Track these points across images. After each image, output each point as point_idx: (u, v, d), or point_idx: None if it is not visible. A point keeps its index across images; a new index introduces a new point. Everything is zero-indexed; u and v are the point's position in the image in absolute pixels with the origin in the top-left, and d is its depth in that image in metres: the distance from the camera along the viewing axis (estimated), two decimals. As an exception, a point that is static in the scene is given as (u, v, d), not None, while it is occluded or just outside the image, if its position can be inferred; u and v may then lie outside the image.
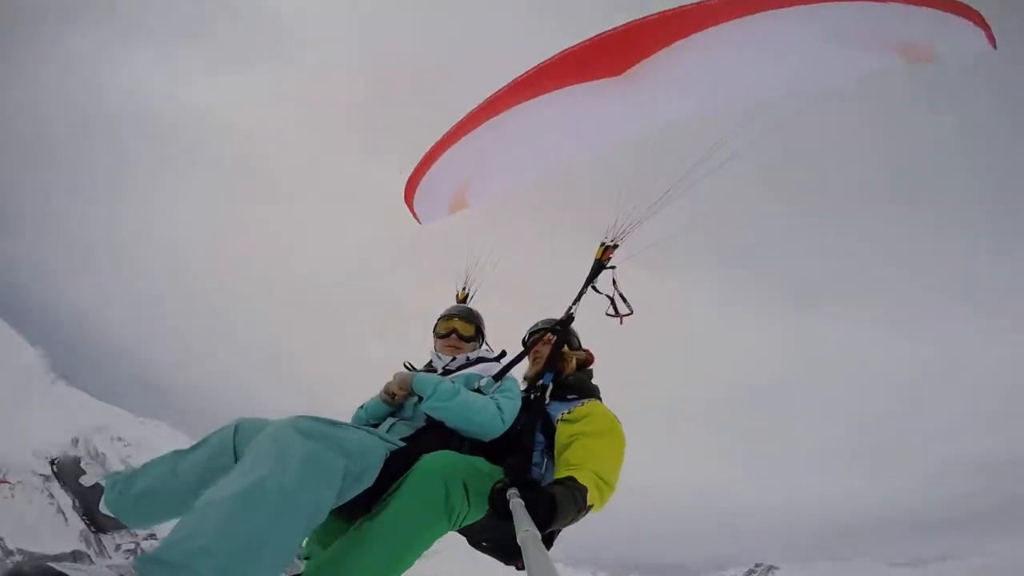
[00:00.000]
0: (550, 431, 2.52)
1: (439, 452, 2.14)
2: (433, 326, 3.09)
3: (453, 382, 2.50)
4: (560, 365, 2.87)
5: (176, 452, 2.16)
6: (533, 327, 3.16)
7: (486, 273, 3.56)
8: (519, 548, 1.37)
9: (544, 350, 2.95)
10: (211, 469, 2.01)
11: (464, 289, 3.63)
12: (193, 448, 2.14)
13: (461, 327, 2.96)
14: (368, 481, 1.94)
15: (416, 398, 2.50)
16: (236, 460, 2.00)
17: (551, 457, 2.46)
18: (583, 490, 2.01)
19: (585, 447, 2.30)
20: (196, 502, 1.58)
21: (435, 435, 2.37)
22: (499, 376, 2.70)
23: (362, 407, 2.76)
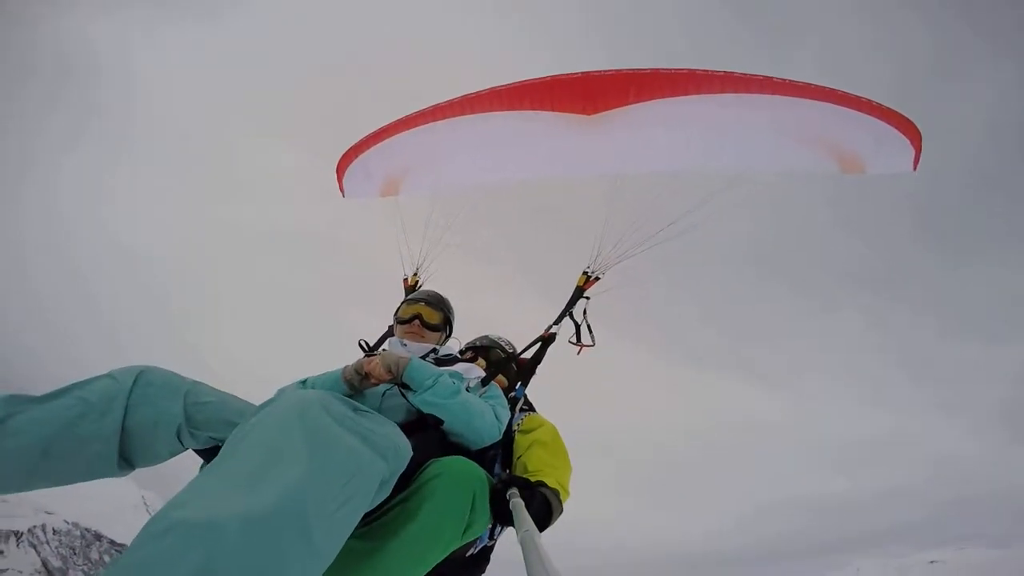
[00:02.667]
0: (507, 441, 2.49)
1: (459, 458, 1.77)
2: (395, 309, 2.73)
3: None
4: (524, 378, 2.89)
5: (12, 397, 1.38)
6: (480, 340, 3.11)
7: (440, 262, 3.34)
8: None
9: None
10: (78, 436, 1.39)
11: (415, 275, 3.32)
12: (48, 397, 1.42)
13: (427, 313, 2.58)
14: (386, 492, 1.42)
15: (387, 385, 2.06)
16: (124, 425, 1.47)
17: (506, 467, 2.45)
18: (557, 493, 2.06)
19: (540, 458, 2.34)
20: (180, 508, 0.96)
21: (434, 436, 1.95)
22: (486, 381, 2.38)
23: (302, 382, 2.16)
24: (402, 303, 2.69)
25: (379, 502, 1.41)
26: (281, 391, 2.17)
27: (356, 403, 1.45)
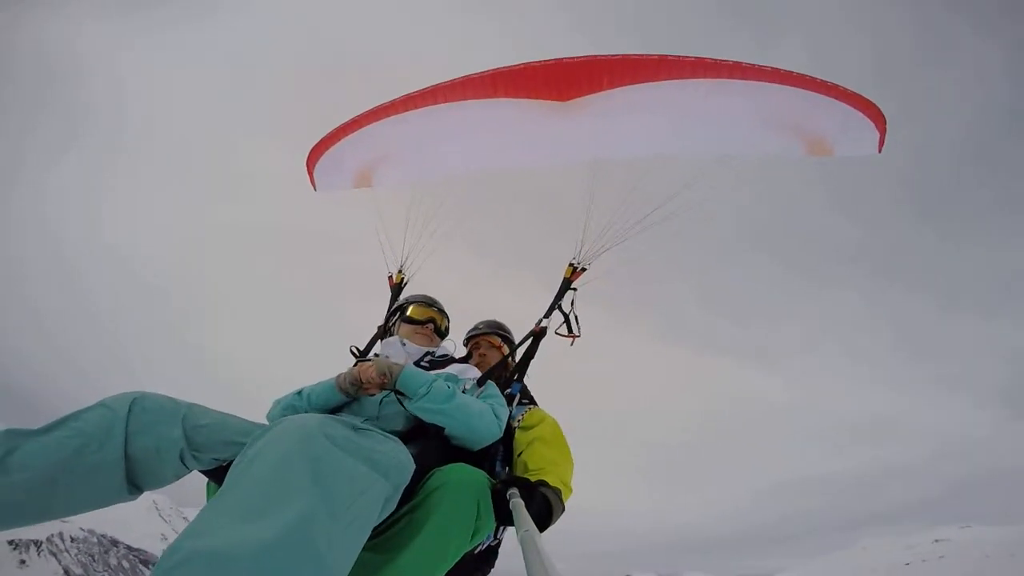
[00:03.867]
0: (507, 438, 2.47)
1: (461, 466, 1.81)
2: (397, 307, 2.78)
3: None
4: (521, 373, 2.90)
5: (10, 432, 1.40)
6: (475, 328, 3.12)
7: (424, 256, 3.30)
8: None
9: (490, 353, 2.97)
10: (79, 466, 1.40)
11: (400, 272, 3.29)
12: (45, 430, 1.43)
13: (440, 320, 2.70)
14: (392, 507, 1.45)
15: (384, 393, 2.09)
16: (126, 453, 1.48)
17: (507, 465, 2.45)
18: (558, 491, 2.08)
19: (542, 455, 2.34)
20: (195, 538, 1.02)
21: (434, 443, 1.99)
22: (482, 381, 2.41)
23: (298, 393, 2.19)
24: (409, 304, 2.76)
25: (386, 516, 1.44)
26: (276, 402, 2.23)
27: (356, 422, 1.49)
